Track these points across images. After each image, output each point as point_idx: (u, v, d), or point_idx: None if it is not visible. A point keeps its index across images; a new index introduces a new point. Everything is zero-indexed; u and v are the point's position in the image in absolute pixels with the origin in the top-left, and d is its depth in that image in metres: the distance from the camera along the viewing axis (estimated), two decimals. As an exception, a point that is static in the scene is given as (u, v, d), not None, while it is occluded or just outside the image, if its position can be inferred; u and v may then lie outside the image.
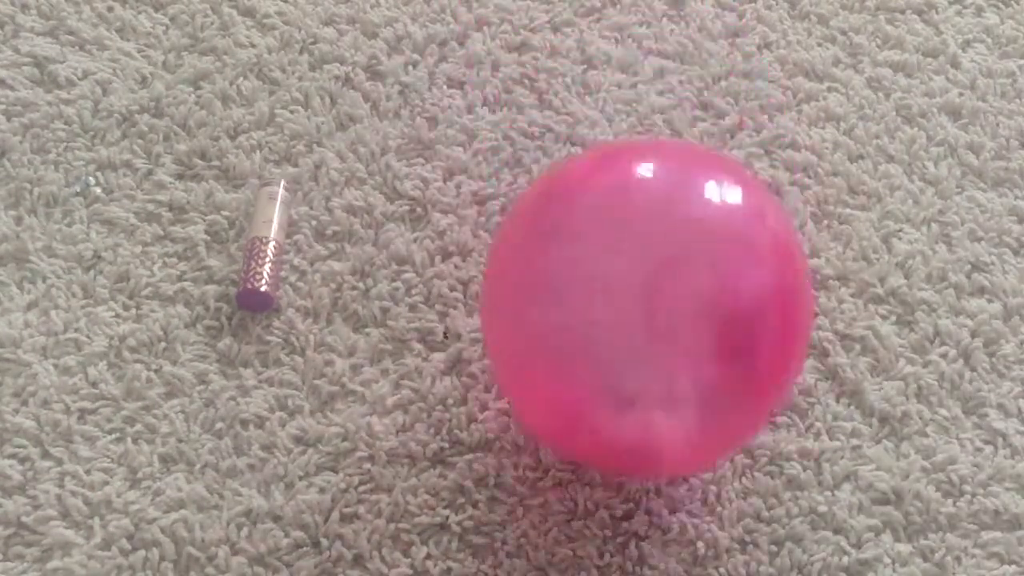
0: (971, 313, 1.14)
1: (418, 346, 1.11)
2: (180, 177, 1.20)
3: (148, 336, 1.10)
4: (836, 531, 1.02)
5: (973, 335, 1.13)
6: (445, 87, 1.27)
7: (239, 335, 1.11)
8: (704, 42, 1.32)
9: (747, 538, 1.02)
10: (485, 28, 1.32)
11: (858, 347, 1.12)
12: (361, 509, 1.02)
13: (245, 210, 1.18)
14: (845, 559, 1.01)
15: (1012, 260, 1.17)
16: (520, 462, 1.04)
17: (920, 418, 1.08)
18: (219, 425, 1.06)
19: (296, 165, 1.21)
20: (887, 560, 1.01)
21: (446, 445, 1.05)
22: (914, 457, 1.06)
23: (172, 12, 1.31)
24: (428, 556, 1.00)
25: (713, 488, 1.03)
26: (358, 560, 1.00)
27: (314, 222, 1.17)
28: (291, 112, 1.24)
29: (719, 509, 1.03)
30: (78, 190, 1.19)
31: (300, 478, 1.03)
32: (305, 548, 1.01)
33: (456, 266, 1.15)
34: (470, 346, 1.10)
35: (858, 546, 1.02)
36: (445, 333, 1.11)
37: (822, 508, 1.03)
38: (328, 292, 1.13)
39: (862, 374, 1.10)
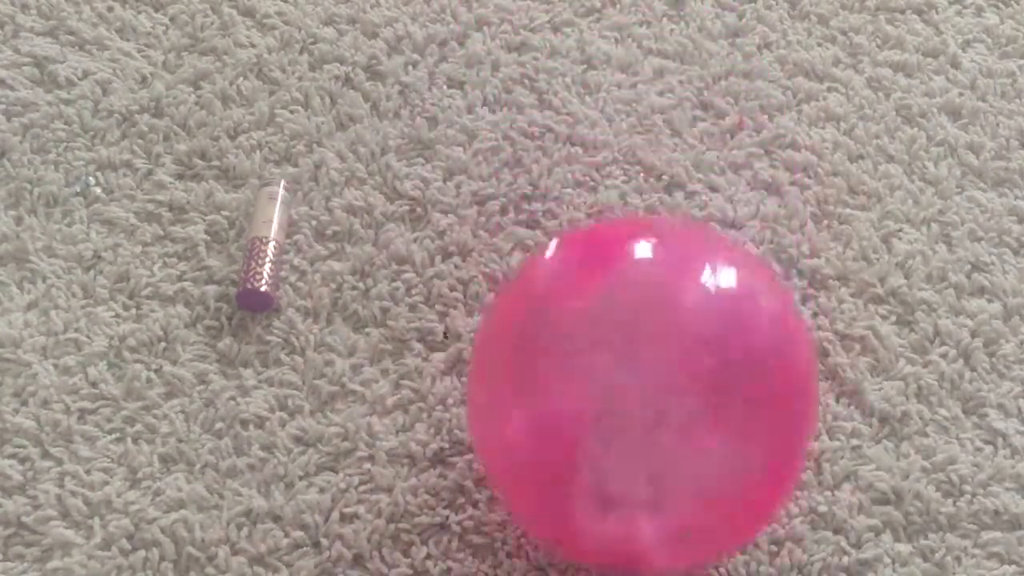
0: (971, 313, 1.14)
1: (418, 346, 1.11)
2: (180, 177, 1.20)
3: (148, 336, 1.10)
4: (836, 531, 1.02)
5: (973, 335, 1.13)
6: (445, 87, 1.27)
7: (239, 335, 1.11)
8: (704, 42, 1.32)
9: (747, 538, 1.02)
10: (485, 28, 1.32)
11: (858, 347, 1.12)
12: (361, 509, 1.02)
13: (245, 210, 1.18)
14: (845, 559, 1.01)
15: (1012, 260, 1.17)
16: (520, 462, 1.04)
17: (920, 418, 1.08)
18: (219, 425, 1.06)
19: (296, 165, 1.21)
20: (887, 560, 1.01)
21: (446, 445, 1.05)
22: (914, 457, 1.06)
23: (172, 12, 1.31)
24: (428, 556, 1.00)
25: (713, 488, 1.03)
26: (358, 560, 1.00)
27: (314, 222, 1.17)
28: (291, 112, 1.24)
29: (719, 509, 1.03)
30: (78, 190, 1.19)
31: (300, 478, 1.03)
32: (305, 548, 1.01)
33: (456, 266, 1.15)
34: (470, 346, 1.10)
35: (858, 546, 1.02)
36: (445, 333, 1.11)
37: (822, 508, 1.03)
38: (328, 292, 1.13)
39: (862, 374, 1.10)
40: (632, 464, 0.87)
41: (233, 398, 1.07)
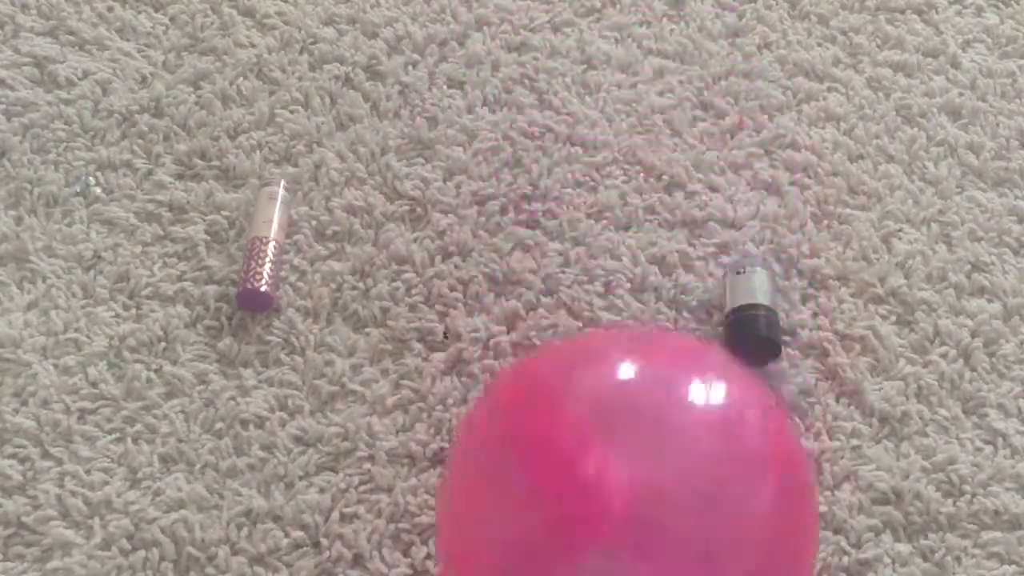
0: (971, 313, 1.14)
1: (418, 346, 1.10)
2: (180, 177, 1.20)
3: (148, 336, 1.10)
4: (836, 531, 1.02)
5: (973, 335, 1.13)
6: (445, 87, 1.27)
7: (239, 335, 1.11)
8: (704, 42, 1.32)
9: (747, 538, 1.02)
10: (485, 28, 1.32)
11: (858, 347, 1.12)
12: (361, 509, 1.02)
13: (245, 210, 1.18)
14: (845, 559, 1.01)
15: (1012, 260, 1.17)
16: (520, 462, 1.04)
17: (920, 418, 1.08)
18: (219, 425, 1.06)
19: (296, 165, 1.21)
20: (887, 560, 1.01)
21: (446, 445, 1.05)
22: (914, 457, 1.06)
23: (172, 12, 1.31)
24: (428, 556, 1.00)
25: (713, 488, 1.03)
26: (358, 560, 1.00)
27: (314, 222, 1.17)
28: (291, 112, 1.24)
29: (719, 509, 1.03)
30: (78, 190, 1.19)
31: (300, 478, 1.03)
32: (305, 548, 1.00)
33: (456, 266, 1.15)
34: (470, 346, 1.10)
35: (858, 546, 1.02)
36: (445, 333, 1.11)
37: (822, 508, 1.03)
38: (328, 292, 1.13)
39: (862, 374, 1.10)
40: None
41: (233, 398, 1.07)
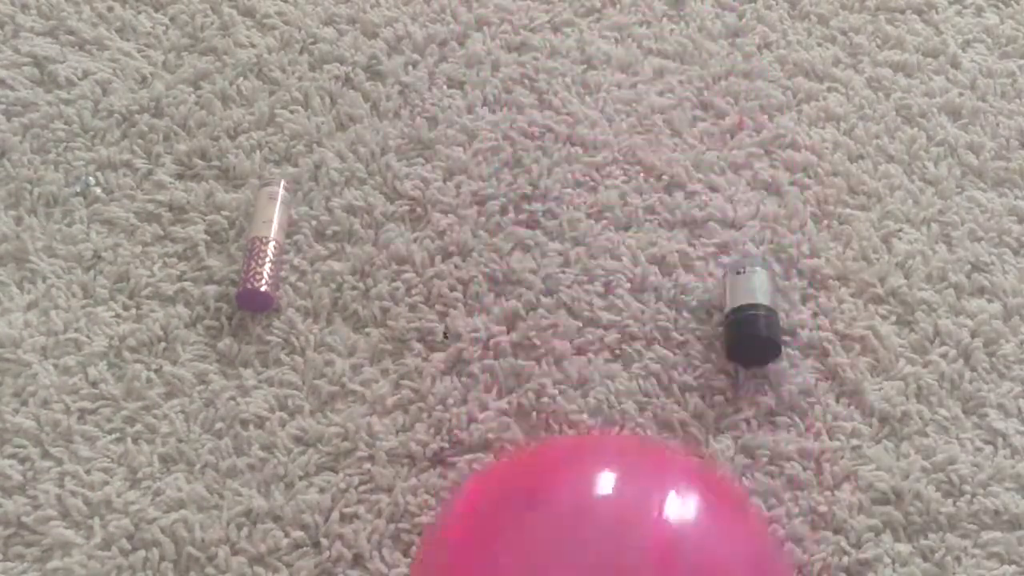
0: (971, 313, 1.14)
1: (418, 346, 1.10)
2: (180, 177, 1.20)
3: (148, 336, 1.10)
4: (836, 531, 1.02)
5: (973, 335, 1.13)
6: (445, 87, 1.27)
7: (239, 335, 1.11)
8: (704, 42, 1.32)
9: (747, 538, 1.02)
10: (485, 28, 1.32)
11: (858, 347, 1.12)
12: (361, 509, 1.02)
13: (245, 210, 1.18)
14: (845, 559, 1.01)
15: (1012, 260, 1.17)
16: (520, 462, 1.04)
17: (920, 418, 1.08)
18: (219, 425, 1.06)
19: (296, 165, 1.21)
20: (887, 560, 1.01)
21: (446, 445, 1.05)
22: (914, 457, 1.06)
23: (172, 12, 1.31)
24: (428, 556, 1.00)
25: (713, 488, 1.03)
26: (358, 560, 1.00)
27: (314, 222, 1.17)
28: (291, 112, 1.25)
29: (719, 509, 1.03)
30: (78, 190, 1.19)
31: (300, 478, 1.03)
32: (305, 548, 1.00)
33: (456, 266, 1.15)
34: (470, 346, 1.10)
35: (858, 546, 1.02)
36: (445, 333, 1.11)
37: (822, 508, 1.03)
38: (328, 292, 1.13)
39: (862, 374, 1.10)
40: None
41: (233, 398, 1.07)
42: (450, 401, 1.07)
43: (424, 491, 1.03)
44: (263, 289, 1.11)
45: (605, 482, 0.91)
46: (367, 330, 1.11)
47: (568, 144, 1.23)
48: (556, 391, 1.08)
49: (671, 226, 1.18)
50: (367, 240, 1.16)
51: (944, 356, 1.11)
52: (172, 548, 1.00)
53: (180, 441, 1.05)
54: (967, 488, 1.04)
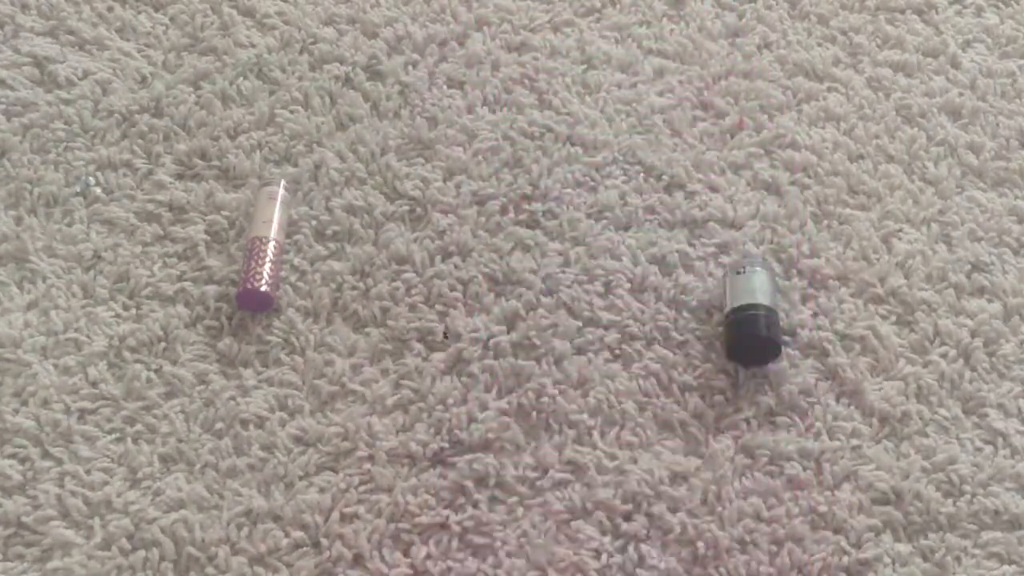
0: (971, 313, 1.14)
1: (418, 346, 1.10)
2: (180, 177, 1.20)
3: (148, 336, 1.10)
4: (836, 531, 1.02)
5: (973, 335, 1.13)
6: (445, 87, 1.27)
7: (239, 335, 1.11)
8: (704, 42, 1.32)
9: (747, 538, 1.02)
10: (485, 28, 1.32)
11: (858, 347, 1.12)
12: (361, 509, 1.02)
13: (245, 210, 1.18)
14: (845, 559, 1.01)
15: (1012, 260, 1.17)
16: (520, 462, 1.04)
17: (920, 418, 1.08)
18: (219, 425, 1.06)
19: (296, 165, 1.21)
20: (887, 560, 1.01)
21: (446, 445, 1.05)
22: (914, 457, 1.06)
23: (172, 12, 1.31)
24: (428, 556, 1.00)
25: (713, 488, 1.03)
26: (358, 560, 1.00)
27: (314, 222, 1.17)
28: (291, 112, 1.25)
29: (719, 509, 1.03)
30: (78, 190, 1.19)
31: (300, 478, 1.03)
32: (305, 548, 1.00)
33: (456, 266, 1.15)
34: (470, 346, 1.10)
35: (858, 546, 1.02)
36: (445, 333, 1.11)
37: (822, 508, 1.03)
38: (328, 292, 1.13)
39: (862, 374, 1.10)
40: None
41: (233, 398, 1.07)
42: (450, 401, 1.07)
43: (424, 491, 1.03)
44: (263, 289, 1.11)
45: None
46: (367, 330, 1.11)
47: (568, 144, 1.23)
48: (556, 391, 1.08)
49: (671, 226, 1.18)
50: (367, 240, 1.16)
51: (944, 356, 1.11)
52: (172, 548, 1.00)
53: (180, 441, 1.05)
54: (967, 488, 1.04)
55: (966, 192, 1.22)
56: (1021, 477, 1.05)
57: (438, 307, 1.12)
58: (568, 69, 1.29)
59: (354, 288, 1.13)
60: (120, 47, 1.28)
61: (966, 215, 1.20)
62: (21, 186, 1.18)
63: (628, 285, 1.14)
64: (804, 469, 1.05)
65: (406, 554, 1.00)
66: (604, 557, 1.00)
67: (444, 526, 1.01)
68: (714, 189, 1.21)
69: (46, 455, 1.04)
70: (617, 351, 1.10)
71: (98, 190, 1.19)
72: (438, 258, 1.15)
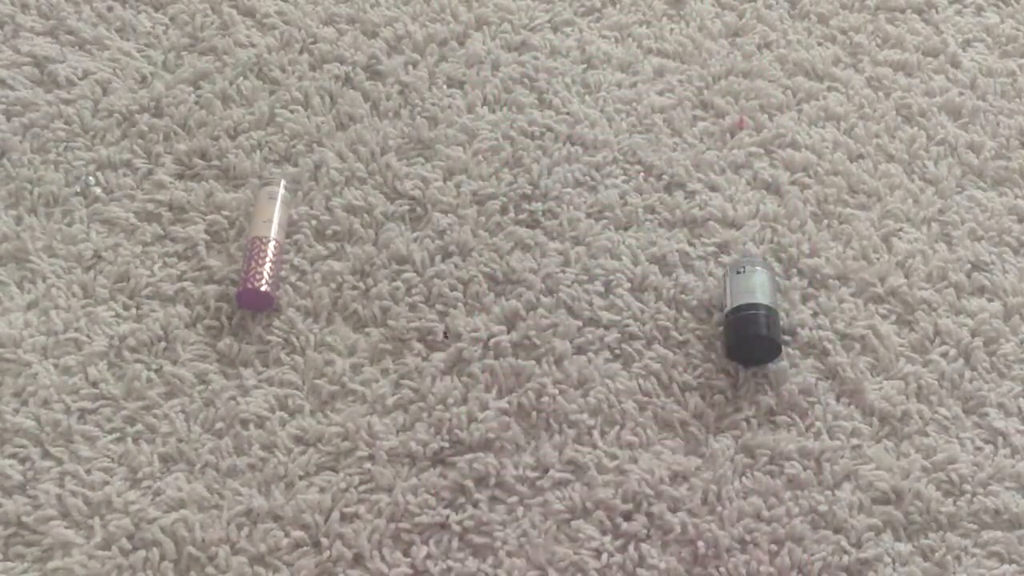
0: (971, 312, 1.14)
1: (418, 346, 1.10)
2: (180, 177, 1.20)
3: (148, 336, 1.10)
4: (836, 530, 1.02)
5: (973, 334, 1.13)
6: (445, 87, 1.27)
7: (239, 335, 1.11)
8: (704, 41, 1.32)
9: (747, 537, 1.02)
10: (485, 27, 1.32)
11: (858, 346, 1.12)
12: (361, 509, 1.02)
13: (245, 210, 1.18)
14: (845, 558, 1.01)
15: (1012, 259, 1.17)
16: (520, 461, 1.04)
17: (920, 417, 1.08)
18: (219, 425, 1.06)
19: (296, 165, 1.21)
20: (887, 559, 1.01)
21: (446, 445, 1.05)
22: (914, 456, 1.06)
23: (172, 12, 1.31)
24: (428, 556, 1.00)
25: (713, 487, 1.03)
26: (358, 560, 1.00)
27: (314, 222, 1.17)
28: (291, 112, 1.25)
29: (719, 508, 1.03)
30: (78, 190, 1.19)
31: (300, 478, 1.03)
32: (305, 548, 1.00)
33: (456, 266, 1.15)
34: (470, 346, 1.10)
35: (858, 545, 1.02)
36: (445, 333, 1.11)
37: (822, 507, 1.03)
38: (328, 292, 1.13)
39: (862, 373, 1.10)
40: None
41: (233, 398, 1.07)
42: (450, 401, 1.07)
43: (424, 491, 1.03)
44: (263, 289, 1.11)
45: None
46: (367, 330, 1.11)
47: (568, 143, 1.23)
48: (556, 391, 1.08)
49: (671, 225, 1.18)
50: (367, 240, 1.16)
51: (944, 355, 1.11)
52: (172, 548, 1.00)
53: (180, 441, 1.05)
54: (967, 487, 1.04)
55: (966, 191, 1.22)
56: (1021, 476, 1.05)
57: (438, 307, 1.12)
58: (568, 69, 1.29)
59: (354, 288, 1.13)
60: (120, 47, 1.28)
61: (966, 214, 1.20)
62: (21, 186, 1.18)
63: (628, 285, 1.14)
64: (804, 468, 1.05)
65: (406, 554, 1.00)
66: (604, 557, 1.00)
67: (444, 526, 1.02)
68: (714, 188, 1.21)
69: (46, 455, 1.04)
70: (617, 351, 1.10)
71: (98, 190, 1.19)
72: (438, 258, 1.15)
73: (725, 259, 1.16)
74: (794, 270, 1.16)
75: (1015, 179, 1.23)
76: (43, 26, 1.30)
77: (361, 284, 1.14)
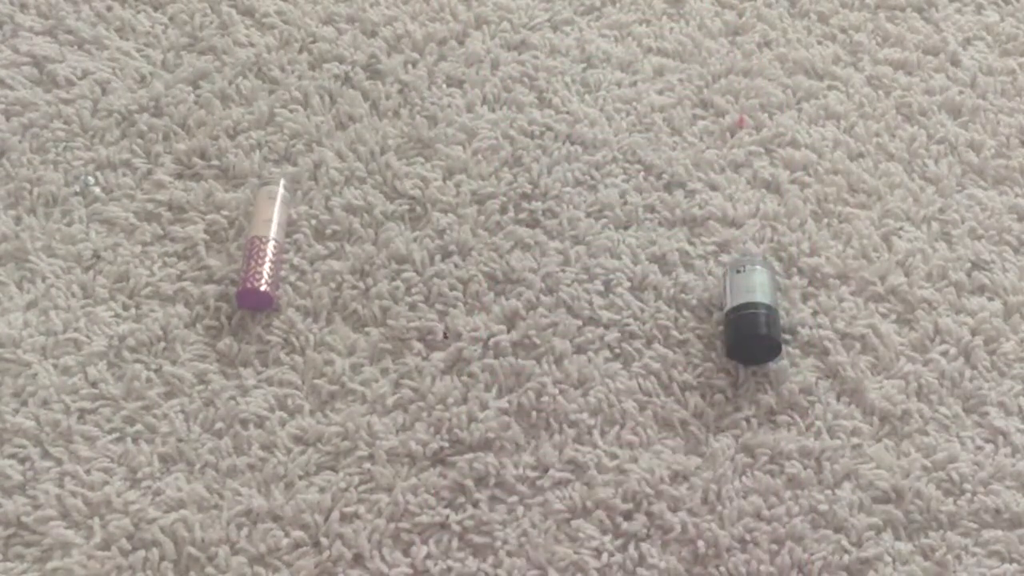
0: (971, 311, 1.14)
1: (418, 345, 1.10)
2: (180, 177, 1.20)
3: (148, 336, 1.10)
4: (837, 530, 1.02)
5: (973, 333, 1.13)
6: (445, 86, 1.27)
7: (239, 335, 1.11)
8: (704, 40, 1.32)
9: (747, 537, 1.02)
10: (484, 27, 1.32)
11: (858, 345, 1.12)
12: (361, 508, 1.02)
13: (245, 209, 1.17)
14: (846, 558, 1.01)
15: (1012, 258, 1.17)
16: (520, 461, 1.04)
17: (920, 416, 1.08)
18: (219, 425, 1.06)
19: (296, 164, 1.21)
20: (888, 559, 1.01)
21: (446, 444, 1.05)
22: (915, 455, 1.06)
23: (171, 11, 1.31)
24: (428, 555, 1.00)
25: (714, 487, 1.03)
26: (358, 559, 1.00)
27: (314, 221, 1.17)
28: (291, 111, 1.24)
29: (719, 508, 1.03)
30: (77, 190, 1.19)
31: (300, 478, 1.03)
32: (305, 548, 1.00)
33: (456, 265, 1.15)
34: (470, 346, 1.10)
35: (859, 545, 1.02)
36: (445, 333, 1.11)
37: (823, 507, 1.03)
38: (328, 292, 1.13)
39: (862, 372, 1.10)
40: None
41: (233, 398, 1.07)
42: (450, 400, 1.07)
43: (424, 491, 1.03)
44: (263, 288, 1.11)
45: None
46: (367, 330, 1.11)
47: (568, 143, 1.23)
48: (556, 390, 1.08)
49: (671, 224, 1.18)
50: (367, 239, 1.16)
51: (944, 354, 1.11)
52: (172, 548, 1.00)
53: (180, 441, 1.05)
54: (967, 486, 1.04)
55: (966, 190, 1.22)
56: (1022, 475, 1.05)
57: (438, 306, 1.12)
58: (568, 68, 1.29)
59: (354, 287, 1.13)
60: (119, 47, 1.28)
61: (966, 213, 1.20)
62: (20, 186, 1.18)
63: (628, 284, 1.14)
64: (804, 468, 1.05)
65: (406, 554, 1.00)
66: (604, 556, 1.00)
67: (444, 525, 1.01)
68: (714, 187, 1.21)
69: (46, 455, 1.04)
70: (617, 350, 1.10)
71: (97, 190, 1.19)
72: (438, 257, 1.15)
73: (725, 258, 1.16)
74: (794, 269, 1.16)
75: (1015, 178, 1.23)
76: (42, 26, 1.30)
77: (361, 284, 1.14)
